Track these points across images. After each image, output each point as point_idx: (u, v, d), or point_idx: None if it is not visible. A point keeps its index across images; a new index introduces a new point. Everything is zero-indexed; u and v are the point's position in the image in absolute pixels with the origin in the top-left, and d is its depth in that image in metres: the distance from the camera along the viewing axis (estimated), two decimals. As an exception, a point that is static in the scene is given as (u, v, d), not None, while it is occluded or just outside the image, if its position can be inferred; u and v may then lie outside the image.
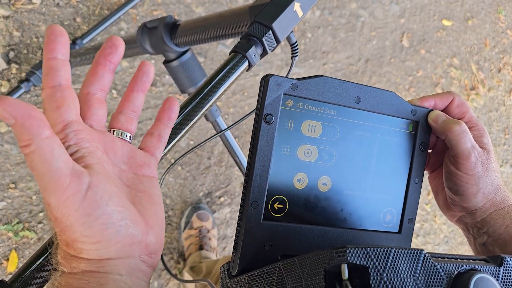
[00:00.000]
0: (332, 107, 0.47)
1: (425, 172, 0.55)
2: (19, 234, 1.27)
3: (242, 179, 1.27)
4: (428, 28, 2.11)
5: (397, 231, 0.51)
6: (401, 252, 0.30)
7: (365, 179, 0.49)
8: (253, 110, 0.51)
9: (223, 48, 1.62)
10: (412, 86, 2.02)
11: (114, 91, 1.43)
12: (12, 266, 1.25)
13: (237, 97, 1.63)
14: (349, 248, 0.29)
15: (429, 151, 0.55)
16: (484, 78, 2.23)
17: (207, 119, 0.97)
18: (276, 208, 0.46)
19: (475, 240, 0.52)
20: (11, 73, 1.31)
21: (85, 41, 1.37)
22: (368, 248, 0.29)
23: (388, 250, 0.29)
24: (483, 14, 2.28)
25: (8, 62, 1.31)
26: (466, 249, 2.10)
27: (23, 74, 1.32)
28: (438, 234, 2.04)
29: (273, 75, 0.44)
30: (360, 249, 0.29)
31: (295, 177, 0.46)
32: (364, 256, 0.29)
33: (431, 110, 0.51)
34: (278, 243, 0.45)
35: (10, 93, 1.25)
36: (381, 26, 1.99)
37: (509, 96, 2.29)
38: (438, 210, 2.02)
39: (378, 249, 0.29)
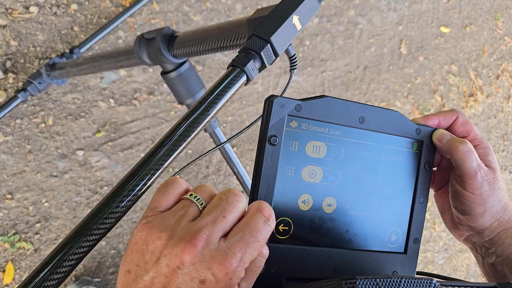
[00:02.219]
0: (337, 128, 0.47)
1: (431, 190, 0.55)
2: (15, 245, 1.25)
3: (241, 188, 1.27)
4: (426, 35, 2.11)
5: (402, 251, 0.51)
6: (411, 282, 0.29)
7: (370, 199, 0.49)
8: (251, 123, 0.50)
9: (222, 56, 1.62)
10: (411, 93, 2.02)
11: (111, 100, 1.42)
12: (9, 277, 1.24)
13: (236, 105, 1.62)
14: (359, 280, 0.28)
15: (435, 168, 0.55)
16: (482, 84, 2.23)
17: (205, 130, 0.97)
18: (281, 230, 0.45)
19: (484, 259, 0.51)
20: (8, 83, 1.30)
21: (82, 50, 1.36)
22: (378, 279, 0.28)
23: (398, 280, 0.29)
24: (480, 21, 2.28)
25: (5, 71, 1.30)
26: (466, 257, 2.09)
27: (20, 84, 1.31)
28: (438, 241, 2.03)
29: (277, 96, 0.44)
30: (369, 280, 0.28)
31: (300, 198, 0.46)
32: (374, 287, 0.28)
33: (435, 129, 0.51)
34: (283, 266, 0.44)
35: (7, 102, 1.24)
36: (379, 33, 1.99)
37: (507, 103, 2.29)
38: (438, 217, 2.02)
39: (388, 280, 0.28)
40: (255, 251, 0.35)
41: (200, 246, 0.33)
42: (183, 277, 0.33)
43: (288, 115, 0.44)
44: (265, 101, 0.44)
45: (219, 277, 0.33)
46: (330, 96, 0.46)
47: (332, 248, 0.47)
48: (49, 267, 0.40)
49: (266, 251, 0.39)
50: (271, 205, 0.44)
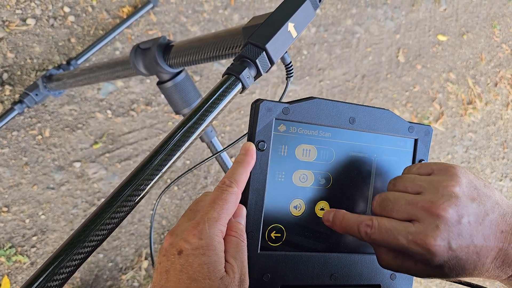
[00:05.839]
0: (326, 129, 0.46)
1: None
2: (11, 259, 1.24)
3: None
4: (424, 44, 2.12)
5: None
6: None
7: (364, 201, 0.48)
8: (247, 132, 0.50)
9: (219, 66, 1.62)
10: (409, 102, 2.01)
11: (109, 111, 1.41)
12: (4, 292, 1.22)
13: (233, 115, 1.62)
14: None
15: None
16: (481, 92, 2.23)
17: (202, 140, 0.96)
18: (273, 237, 0.44)
19: None
20: (5, 95, 1.30)
21: (79, 61, 1.36)
22: None
23: None
24: (477, 28, 2.29)
25: (2, 83, 1.30)
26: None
27: (17, 96, 1.31)
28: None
29: (264, 100, 0.43)
30: None
31: (291, 204, 0.45)
32: None
33: (428, 126, 0.50)
34: (277, 274, 0.44)
35: (4, 115, 1.24)
36: (377, 42, 1.99)
37: (506, 110, 2.29)
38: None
39: None
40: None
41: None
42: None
43: (276, 119, 0.44)
44: (251, 105, 0.44)
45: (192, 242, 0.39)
46: (318, 97, 0.45)
47: (327, 253, 0.46)
48: (42, 278, 0.39)
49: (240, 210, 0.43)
50: (261, 212, 0.43)
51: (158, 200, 0.57)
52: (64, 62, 1.36)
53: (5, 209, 1.26)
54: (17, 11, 1.32)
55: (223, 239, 0.40)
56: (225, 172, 1.00)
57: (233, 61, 0.55)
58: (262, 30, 0.55)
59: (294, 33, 0.58)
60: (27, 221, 1.28)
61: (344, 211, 0.43)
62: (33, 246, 1.27)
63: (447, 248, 0.37)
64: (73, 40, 1.41)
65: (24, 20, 1.33)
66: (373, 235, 0.39)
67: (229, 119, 1.61)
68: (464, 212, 0.38)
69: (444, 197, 0.38)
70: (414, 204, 0.39)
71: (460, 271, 0.38)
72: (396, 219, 0.39)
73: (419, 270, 0.39)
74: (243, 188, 0.42)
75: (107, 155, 1.40)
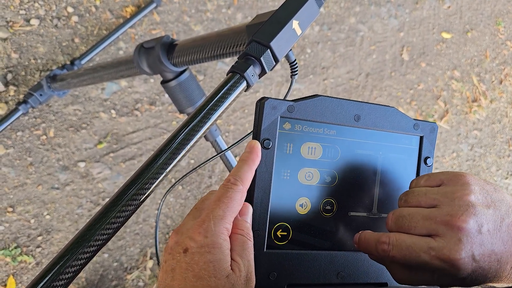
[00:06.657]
0: (332, 127, 0.46)
1: None
2: (17, 259, 1.24)
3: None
4: (428, 41, 2.11)
5: None
6: None
7: (370, 199, 0.48)
8: (252, 131, 0.49)
9: (223, 65, 1.61)
10: (414, 100, 2.01)
11: (113, 111, 1.41)
12: (10, 292, 1.22)
13: (238, 114, 1.61)
14: None
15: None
16: (485, 89, 2.22)
17: (206, 139, 0.96)
18: (279, 236, 0.44)
19: None
20: (9, 95, 1.30)
21: (83, 61, 1.36)
22: None
23: None
24: (482, 26, 2.28)
25: (6, 84, 1.30)
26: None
27: (21, 96, 1.31)
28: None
29: (268, 98, 0.43)
30: None
31: (297, 202, 0.45)
32: None
33: (434, 123, 0.50)
34: (284, 272, 0.43)
35: (8, 115, 1.24)
36: (381, 40, 1.98)
37: (511, 108, 2.28)
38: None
39: None
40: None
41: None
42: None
43: (281, 117, 0.43)
44: (256, 103, 0.44)
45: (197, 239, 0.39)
46: (323, 95, 0.45)
47: (333, 251, 0.46)
48: (48, 277, 0.39)
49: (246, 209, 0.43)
50: (267, 211, 0.43)
51: (163, 199, 0.57)
52: (68, 62, 1.36)
53: (10, 209, 1.26)
54: (21, 12, 1.33)
55: (229, 237, 0.40)
56: (229, 171, 1.00)
57: (237, 59, 0.55)
58: (267, 27, 0.55)
59: (298, 31, 0.57)
60: (32, 221, 1.28)
61: (367, 231, 0.42)
62: (38, 246, 1.28)
63: (471, 260, 0.36)
64: (76, 40, 1.41)
65: (28, 20, 1.34)
66: (391, 252, 0.38)
67: (233, 118, 1.61)
68: (483, 220, 0.37)
69: (462, 208, 0.37)
70: (432, 218, 0.38)
71: (482, 280, 0.38)
72: (415, 235, 0.38)
73: (439, 283, 0.38)
74: (248, 186, 0.42)
75: (112, 154, 1.40)
